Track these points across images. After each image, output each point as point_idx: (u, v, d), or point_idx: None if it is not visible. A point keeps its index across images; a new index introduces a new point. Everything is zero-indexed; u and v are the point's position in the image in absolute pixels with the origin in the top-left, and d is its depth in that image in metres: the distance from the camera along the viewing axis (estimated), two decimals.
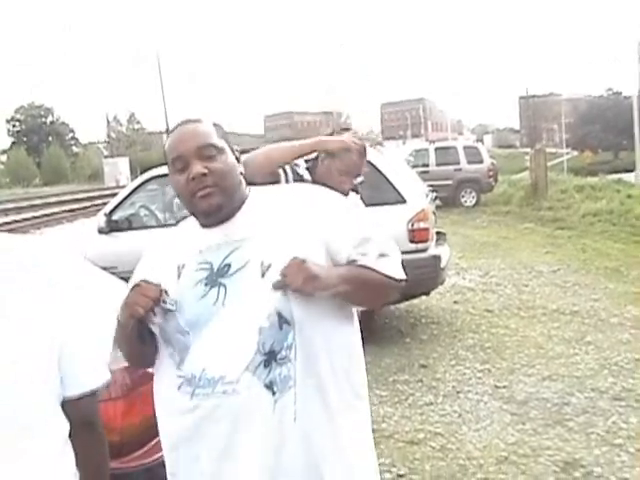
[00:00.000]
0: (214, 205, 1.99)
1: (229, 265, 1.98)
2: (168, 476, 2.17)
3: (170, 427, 2.09)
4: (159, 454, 3.22)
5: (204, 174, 1.96)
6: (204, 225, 2.07)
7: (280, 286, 1.90)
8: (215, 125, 2.09)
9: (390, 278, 2.09)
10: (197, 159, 1.97)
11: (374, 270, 2.04)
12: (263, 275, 1.95)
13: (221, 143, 2.04)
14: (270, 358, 1.92)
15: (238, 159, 2.11)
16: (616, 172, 33.68)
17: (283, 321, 1.93)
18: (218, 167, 1.98)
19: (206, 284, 1.99)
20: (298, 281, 1.87)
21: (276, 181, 3.30)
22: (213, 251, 2.02)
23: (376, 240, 2.09)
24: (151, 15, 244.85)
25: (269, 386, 1.91)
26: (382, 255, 2.07)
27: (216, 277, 1.99)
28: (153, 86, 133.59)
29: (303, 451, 1.95)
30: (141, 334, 2.06)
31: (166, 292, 1.99)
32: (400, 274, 2.13)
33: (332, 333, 2.04)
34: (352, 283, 1.99)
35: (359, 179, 3.83)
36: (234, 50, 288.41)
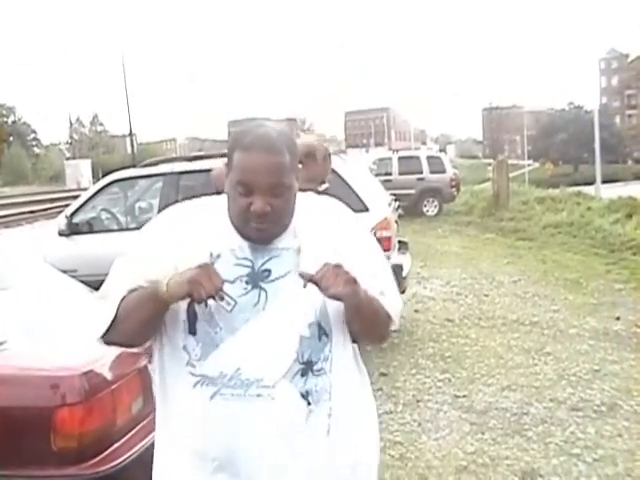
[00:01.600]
0: (266, 238, 1.98)
1: (269, 271, 1.96)
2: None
3: (181, 430, 2.00)
4: (117, 461, 3.21)
5: (266, 213, 1.91)
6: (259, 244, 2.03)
7: (309, 280, 1.89)
8: (292, 149, 1.99)
9: (389, 317, 2.11)
10: (264, 193, 1.91)
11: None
12: (304, 285, 1.92)
13: (291, 179, 1.96)
14: (307, 368, 1.93)
15: (298, 175, 2.04)
16: (576, 185, 34.08)
17: (322, 332, 1.97)
18: (281, 206, 1.94)
19: (247, 282, 1.95)
20: (339, 284, 1.87)
21: None
22: (253, 252, 1.98)
23: (384, 277, 2.14)
24: (117, 17, 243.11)
25: (304, 396, 1.92)
26: (384, 293, 2.09)
27: (257, 279, 1.96)
28: (117, 89, 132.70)
29: (332, 465, 1.97)
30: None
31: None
32: (395, 316, 2.14)
33: (354, 352, 2.13)
34: (369, 302, 2.00)
35: (324, 186, 3.82)
36: (200, 55, 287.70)
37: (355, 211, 7.55)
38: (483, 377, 6.69)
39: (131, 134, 57.97)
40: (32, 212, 26.50)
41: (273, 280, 1.95)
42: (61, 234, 8.16)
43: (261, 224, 1.93)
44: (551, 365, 6.99)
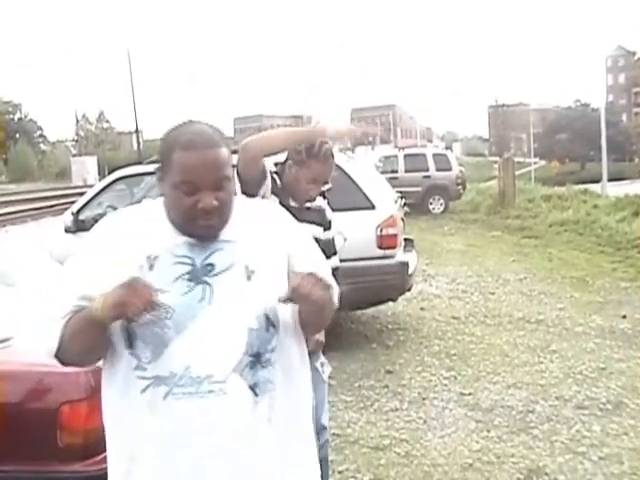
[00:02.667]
0: (213, 233, 1.98)
1: (212, 265, 1.96)
2: None
3: (130, 435, 1.96)
4: None
5: (216, 207, 1.93)
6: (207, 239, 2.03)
7: (289, 298, 1.93)
8: (225, 141, 2.02)
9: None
10: (209, 189, 1.92)
11: None
12: (249, 279, 1.96)
13: (230, 170, 2.00)
14: (256, 360, 1.93)
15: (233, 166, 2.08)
16: (583, 183, 34.04)
17: (270, 324, 1.97)
18: (226, 198, 1.96)
19: (189, 280, 1.94)
20: (318, 291, 1.91)
21: (262, 173, 3.33)
22: (192, 248, 1.97)
23: (324, 270, 2.13)
24: (123, 13, 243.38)
25: (252, 388, 1.92)
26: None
27: (200, 274, 1.95)
28: (123, 86, 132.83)
29: (272, 455, 1.96)
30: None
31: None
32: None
33: (302, 341, 2.13)
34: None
35: (327, 186, 3.81)
36: (205, 52, 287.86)
37: (361, 209, 7.56)
38: (489, 375, 6.68)
39: (137, 131, 58.12)
40: (38, 209, 26.55)
41: (217, 274, 1.95)
42: (67, 231, 8.16)
43: (209, 220, 1.94)
44: (557, 363, 6.98)
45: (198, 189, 1.91)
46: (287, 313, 2.01)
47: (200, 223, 1.93)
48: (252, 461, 1.93)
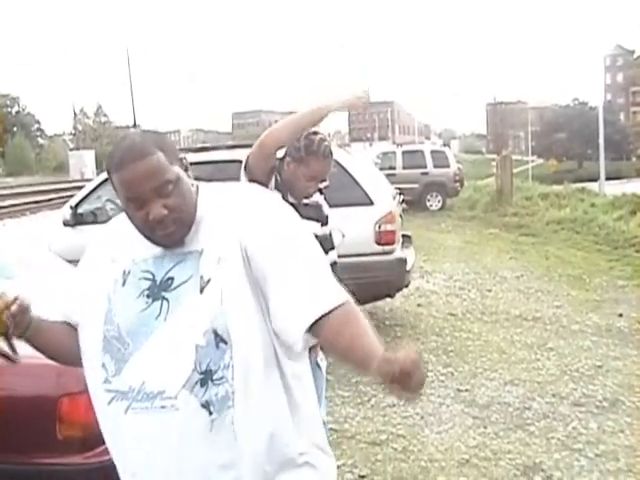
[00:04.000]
0: (176, 240, 1.94)
1: (172, 279, 1.93)
2: None
3: (107, 444, 2.04)
4: None
5: (165, 215, 1.88)
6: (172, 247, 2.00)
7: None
8: (160, 144, 1.94)
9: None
10: (155, 199, 1.88)
11: None
12: (202, 290, 1.89)
13: (175, 172, 1.93)
14: (207, 377, 1.86)
15: (187, 167, 2.02)
16: (580, 181, 34.07)
17: (219, 340, 1.86)
18: (176, 202, 1.90)
19: (148, 296, 1.93)
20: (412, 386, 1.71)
21: (273, 168, 3.39)
22: (157, 261, 1.96)
23: (297, 267, 1.93)
24: (122, 8, 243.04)
25: (205, 405, 1.85)
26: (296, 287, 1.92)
27: (158, 290, 1.93)
28: (121, 80, 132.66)
29: (246, 470, 1.90)
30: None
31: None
32: (310, 309, 1.92)
33: (267, 351, 1.95)
34: None
35: (324, 183, 3.82)
36: (203, 48, 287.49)
37: (360, 204, 7.55)
38: (486, 371, 6.70)
39: (135, 125, 58.07)
40: (36, 202, 26.58)
41: (175, 288, 1.92)
42: (66, 224, 8.17)
43: (165, 229, 1.90)
44: (553, 360, 7.00)
45: (144, 202, 1.88)
46: (242, 328, 1.89)
47: (158, 234, 1.92)
48: (214, 474, 1.89)
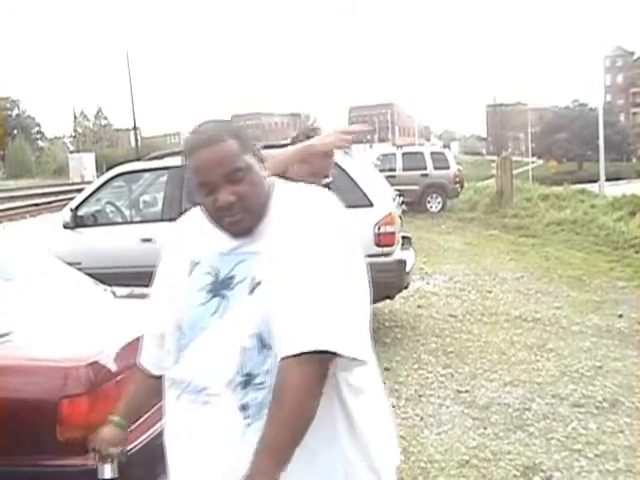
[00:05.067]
0: (243, 230, 1.95)
1: (233, 277, 1.94)
2: None
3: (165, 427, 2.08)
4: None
5: (232, 202, 1.90)
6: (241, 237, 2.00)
7: None
8: (235, 133, 1.97)
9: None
10: (224, 185, 1.89)
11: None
12: (252, 292, 1.88)
13: (246, 160, 1.94)
14: (248, 380, 1.85)
15: (262, 159, 2.03)
16: (580, 182, 34.13)
17: (263, 344, 1.84)
18: (246, 190, 1.91)
19: (209, 291, 1.95)
20: None
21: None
22: (223, 258, 1.98)
23: (322, 298, 1.80)
24: (122, 10, 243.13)
25: (243, 409, 1.85)
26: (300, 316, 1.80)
27: (219, 287, 1.95)
28: (121, 83, 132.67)
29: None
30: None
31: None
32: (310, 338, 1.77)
33: None
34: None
35: (326, 180, 3.84)
36: (203, 49, 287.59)
37: (359, 206, 7.54)
38: (485, 372, 6.71)
39: (135, 128, 58.05)
40: (36, 205, 26.57)
41: (234, 286, 1.93)
42: (66, 227, 8.18)
43: (232, 216, 1.91)
44: (553, 361, 7.00)
45: (214, 187, 1.90)
46: None
47: (225, 221, 1.94)
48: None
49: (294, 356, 1.73)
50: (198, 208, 2.08)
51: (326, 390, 1.81)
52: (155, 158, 8.62)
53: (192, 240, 2.08)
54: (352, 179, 7.67)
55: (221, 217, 1.93)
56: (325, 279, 1.82)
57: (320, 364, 1.75)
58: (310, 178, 3.62)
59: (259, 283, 1.88)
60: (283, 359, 1.75)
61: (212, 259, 1.99)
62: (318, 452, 1.87)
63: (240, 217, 1.92)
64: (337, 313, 1.80)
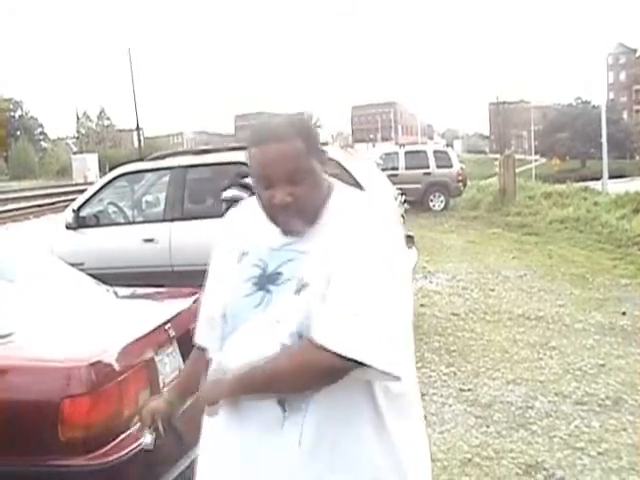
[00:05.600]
0: (294, 230, 1.96)
1: (280, 274, 1.95)
2: None
3: None
4: (124, 451, 3.23)
5: (288, 203, 1.90)
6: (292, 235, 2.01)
7: None
8: (303, 133, 1.94)
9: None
10: (283, 184, 1.90)
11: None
12: (297, 292, 1.90)
13: (310, 163, 1.93)
14: None
15: (325, 162, 2.01)
16: (583, 180, 33.97)
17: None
18: (303, 193, 1.91)
19: (254, 284, 1.97)
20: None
21: None
22: (273, 253, 1.99)
23: (366, 305, 1.81)
24: (124, 10, 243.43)
25: (281, 403, 1.88)
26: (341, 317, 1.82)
27: (266, 281, 1.96)
28: (124, 83, 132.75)
29: (299, 475, 1.89)
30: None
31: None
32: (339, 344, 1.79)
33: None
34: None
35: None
36: (206, 49, 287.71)
37: None
38: (488, 371, 6.70)
39: (138, 128, 58.14)
40: (39, 206, 26.61)
41: (280, 284, 1.94)
42: (68, 227, 8.19)
43: (286, 216, 1.93)
44: (556, 359, 7.00)
45: (272, 184, 1.91)
46: None
47: (279, 219, 1.95)
48: (270, 473, 1.91)
49: (321, 347, 1.78)
50: (252, 198, 2.12)
51: (358, 390, 1.88)
52: (157, 158, 8.63)
53: (243, 229, 2.11)
54: (354, 178, 7.68)
55: (275, 213, 1.95)
56: (372, 290, 1.82)
57: (338, 369, 1.79)
58: None
59: (306, 285, 1.89)
60: (311, 341, 1.80)
61: (261, 252, 2.01)
62: (345, 449, 1.89)
63: (294, 218, 1.94)
64: (378, 326, 1.81)
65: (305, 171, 1.92)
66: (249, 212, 2.12)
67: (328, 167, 2.04)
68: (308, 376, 1.83)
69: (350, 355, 1.76)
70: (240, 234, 2.11)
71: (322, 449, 1.87)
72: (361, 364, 1.77)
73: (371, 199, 2.06)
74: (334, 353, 1.76)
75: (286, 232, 1.98)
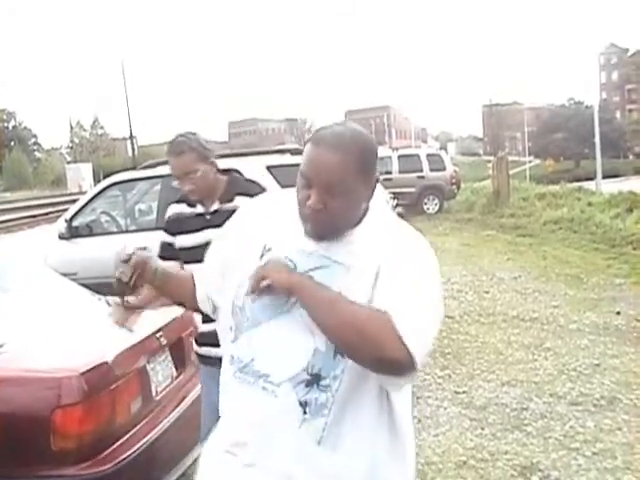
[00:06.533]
0: (318, 235, 1.97)
1: (310, 278, 1.94)
2: None
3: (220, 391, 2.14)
4: (117, 460, 3.24)
5: (318, 210, 1.91)
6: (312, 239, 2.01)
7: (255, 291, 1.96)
8: (362, 154, 1.94)
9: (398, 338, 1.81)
10: (321, 190, 1.90)
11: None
12: None
13: (355, 183, 1.91)
14: (313, 381, 1.90)
15: (373, 189, 2.01)
16: (577, 180, 34.06)
17: (339, 351, 1.89)
18: (336, 208, 1.91)
19: None
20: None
21: None
22: (303, 255, 1.98)
23: (411, 310, 1.87)
24: (117, 20, 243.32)
25: (302, 404, 1.90)
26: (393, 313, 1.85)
27: None
28: (117, 92, 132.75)
29: (317, 473, 1.93)
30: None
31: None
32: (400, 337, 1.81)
33: (378, 389, 1.97)
34: (322, 299, 1.90)
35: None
36: (199, 57, 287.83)
37: None
38: (483, 373, 6.71)
39: (131, 137, 58.20)
40: (33, 216, 26.54)
41: None
42: (61, 237, 8.19)
43: (315, 221, 1.93)
44: (551, 360, 7.01)
45: (311, 185, 1.91)
46: None
47: (307, 220, 1.96)
48: (288, 468, 1.92)
49: (400, 337, 1.80)
50: (278, 193, 2.22)
51: (378, 394, 1.95)
52: (149, 167, 8.63)
53: (268, 223, 2.09)
54: None
55: (306, 215, 1.95)
56: (420, 302, 1.91)
57: (403, 364, 1.82)
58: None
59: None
60: (393, 326, 1.80)
61: (290, 251, 1.99)
62: (362, 450, 1.95)
63: (321, 227, 1.95)
64: (426, 334, 1.92)
65: (347, 188, 1.90)
66: (274, 207, 2.15)
67: (370, 199, 2.02)
68: (372, 349, 1.81)
69: (416, 360, 1.81)
70: (263, 227, 2.09)
71: (341, 450, 1.93)
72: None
73: (402, 222, 2.13)
74: (408, 350, 1.79)
75: (309, 234, 1.98)
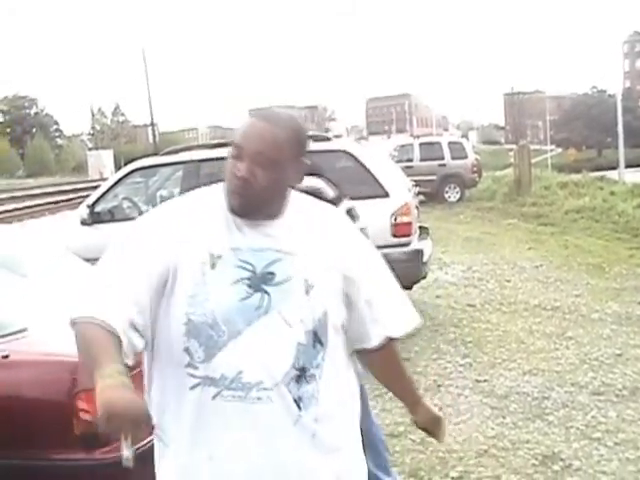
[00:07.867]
0: (243, 208, 1.94)
1: (273, 274, 1.94)
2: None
3: (174, 429, 1.98)
4: (139, 444, 3.24)
5: (246, 179, 1.90)
6: (238, 214, 1.96)
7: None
8: (299, 136, 2.00)
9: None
10: (251, 161, 1.90)
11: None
12: (307, 293, 1.95)
13: (286, 160, 1.93)
14: (301, 374, 1.93)
15: (302, 175, 2.05)
16: (599, 169, 33.76)
17: (317, 340, 1.96)
18: (264, 180, 1.91)
19: (249, 286, 1.92)
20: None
21: None
22: (255, 254, 1.95)
23: (396, 291, 2.25)
24: (138, 8, 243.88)
25: (297, 401, 1.92)
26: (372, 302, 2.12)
27: (259, 282, 1.93)
28: (138, 79, 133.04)
29: (315, 470, 1.97)
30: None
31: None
32: (385, 323, 2.17)
33: (347, 362, 2.13)
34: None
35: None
36: (221, 44, 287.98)
37: (376, 197, 7.54)
38: (504, 362, 6.68)
39: (152, 124, 58.33)
40: (55, 202, 26.74)
41: (277, 284, 1.94)
42: (83, 223, 8.22)
43: (239, 190, 1.91)
44: (573, 349, 6.97)
45: (242, 155, 1.91)
46: (335, 333, 2.02)
47: (234, 192, 1.93)
48: (293, 469, 1.94)
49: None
50: (201, 191, 2.13)
51: (346, 360, 2.13)
52: (171, 153, 8.64)
53: (205, 229, 1.97)
54: (367, 170, 7.68)
55: (233, 187, 1.93)
56: (387, 274, 2.21)
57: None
58: None
59: (312, 286, 1.96)
60: (392, 339, 2.18)
61: (242, 253, 1.95)
62: (346, 427, 2.12)
63: (246, 199, 1.93)
64: (404, 301, 2.26)
65: (277, 164, 1.92)
66: (204, 209, 2.03)
67: (298, 186, 2.06)
68: None
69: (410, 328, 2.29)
70: (200, 234, 1.96)
71: (331, 441, 2.01)
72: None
73: (323, 204, 2.23)
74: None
75: (234, 208, 1.94)
